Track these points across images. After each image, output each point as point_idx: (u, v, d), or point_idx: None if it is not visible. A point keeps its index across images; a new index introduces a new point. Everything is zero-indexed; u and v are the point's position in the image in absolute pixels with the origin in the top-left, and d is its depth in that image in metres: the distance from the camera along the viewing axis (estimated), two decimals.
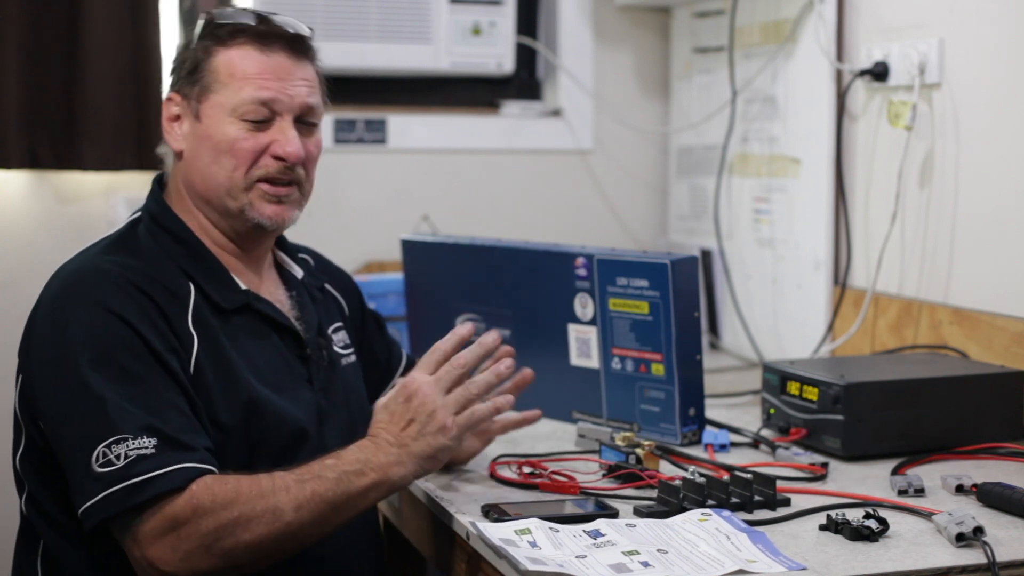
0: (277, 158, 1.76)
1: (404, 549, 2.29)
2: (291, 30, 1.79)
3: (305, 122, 1.80)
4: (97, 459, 1.55)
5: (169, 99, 1.81)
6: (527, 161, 3.17)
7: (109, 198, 2.83)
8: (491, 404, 1.71)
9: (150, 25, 2.75)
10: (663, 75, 3.24)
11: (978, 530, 1.49)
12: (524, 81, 3.23)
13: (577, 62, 3.17)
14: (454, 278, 2.34)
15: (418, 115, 3.09)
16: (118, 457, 1.54)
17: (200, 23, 1.81)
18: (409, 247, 2.42)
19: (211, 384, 1.68)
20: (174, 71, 1.82)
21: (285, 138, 1.76)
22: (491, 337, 1.76)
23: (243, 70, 1.75)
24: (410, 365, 2.15)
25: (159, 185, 1.85)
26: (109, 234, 1.80)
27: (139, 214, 1.82)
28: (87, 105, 2.71)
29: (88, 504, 1.55)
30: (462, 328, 1.76)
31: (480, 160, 3.13)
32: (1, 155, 2.67)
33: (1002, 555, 1.46)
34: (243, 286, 1.79)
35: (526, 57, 3.22)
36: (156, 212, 1.80)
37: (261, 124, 1.76)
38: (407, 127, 3.06)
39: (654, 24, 3.23)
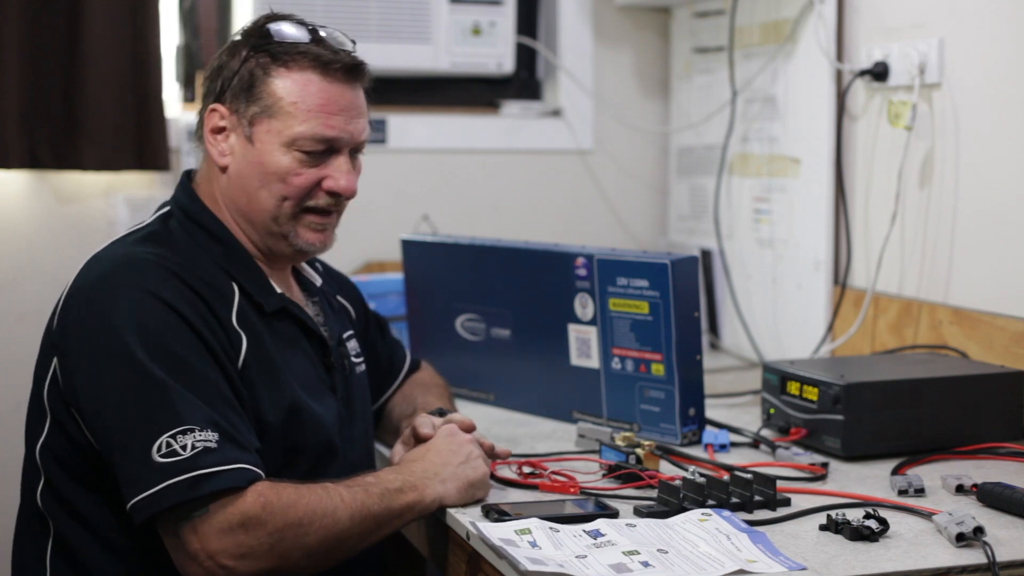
0: (330, 192, 1.76)
1: (404, 549, 2.29)
2: (350, 57, 1.76)
3: (355, 155, 1.80)
4: (159, 449, 1.52)
5: (213, 110, 1.76)
6: (527, 161, 3.17)
7: (109, 198, 2.83)
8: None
9: (150, 25, 2.75)
10: (663, 75, 3.24)
11: (978, 530, 1.49)
12: (524, 81, 3.23)
13: (577, 62, 3.17)
14: (454, 278, 2.34)
15: (418, 115, 3.09)
16: (184, 448, 1.52)
17: (253, 29, 1.77)
18: (409, 247, 2.42)
19: (257, 384, 1.68)
20: (214, 78, 1.77)
21: (340, 174, 1.75)
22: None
23: (305, 102, 1.72)
24: (414, 367, 2.16)
25: (189, 181, 1.82)
26: (137, 227, 1.78)
27: (167, 208, 1.80)
28: (87, 105, 2.71)
29: (146, 494, 1.52)
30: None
31: (480, 160, 3.13)
32: (1, 155, 2.67)
33: (1002, 555, 1.46)
34: (278, 290, 1.79)
35: (526, 57, 3.22)
36: (189, 207, 1.78)
37: (316, 157, 1.74)
38: (407, 127, 3.06)
39: (654, 24, 3.23)
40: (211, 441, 1.54)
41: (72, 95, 2.71)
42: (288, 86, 1.72)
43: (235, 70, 1.75)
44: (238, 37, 1.78)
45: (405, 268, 2.44)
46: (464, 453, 1.72)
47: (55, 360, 1.67)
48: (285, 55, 1.73)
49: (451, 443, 1.74)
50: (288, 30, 1.76)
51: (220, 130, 1.76)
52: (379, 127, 3.02)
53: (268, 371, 1.70)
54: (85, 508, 1.67)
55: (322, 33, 1.78)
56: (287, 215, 1.75)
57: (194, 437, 1.53)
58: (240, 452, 1.56)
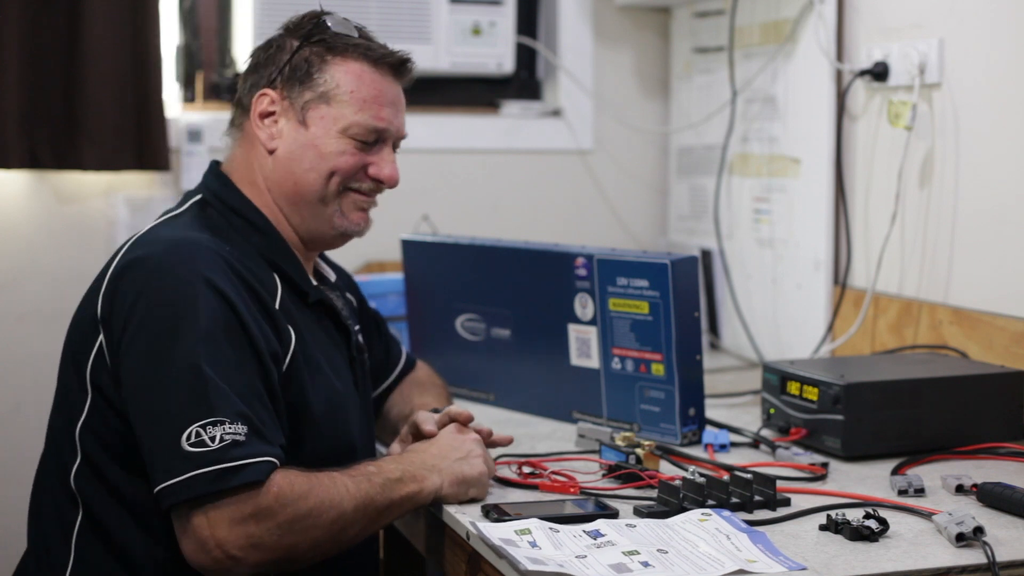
0: (375, 179, 1.82)
1: (404, 549, 2.29)
2: (399, 54, 1.84)
3: (395, 146, 1.87)
4: (189, 437, 1.53)
5: (264, 94, 1.80)
6: (527, 161, 3.17)
7: (109, 198, 2.84)
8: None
9: (150, 25, 2.75)
10: (663, 75, 3.24)
11: (978, 530, 1.49)
12: (524, 81, 3.23)
13: (577, 62, 3.17)
14: (454, 278, 2.34)
15: (418, 115, 3.09)
16: (213, 439, 1.53)
17: (302, 22, 1.82)
18: (409, 247, 2.42)
19: (302, 380, 1.70)
20: (266, 64, 1.81)
21: (386, 163, 1.83)
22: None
23: (361, 91, 1.79)
24: (410, 363, 2.16)
25: (219, 168, 1.85)
26: (173, 212, 1.80)
27: (199, 196, 1.81)
28: (87, 105, 2.71)
29: (171, 482, 1.53)
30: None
31: (480, 160, 3.13)
32: (1, 155, 2.67)
33: (1002, 555, 1.46)
34: (314, 281, 1.84)
35: (526, 57, 3.22)
36: (225, 195, 1.80)
37: (366, 145, 1.81)
38: (407, 127, 3.05)
39: (654, 24, 3.23)
40: (240, 434, 1.55)
41: (72, 95, 2.71)
42: (344, 75, 1.79)
43: (286, 59, 1.80)
44: (283, 31, 1.84)
45: (405, 268, 2.44)
46: (464, 450, 1.74)
47: (100, 337, 1.66)
48: (341, 46, 1.80)
49: (453, 439, 1.76)
50: (340, 24, 1.83)
51: (269, 114, 1.81)
52: None
53: (312, 365, 1.73)
54: (125, 488, 1.67)
55: (371, 35, 1.87)
56: (333, 192, 1.80)
57: (223, 429, 1.54)
58: (265, 446, 1.57)
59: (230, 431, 1.54)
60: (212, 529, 1.53)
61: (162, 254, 1.65)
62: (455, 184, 3.11)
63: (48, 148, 2.72)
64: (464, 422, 1.83)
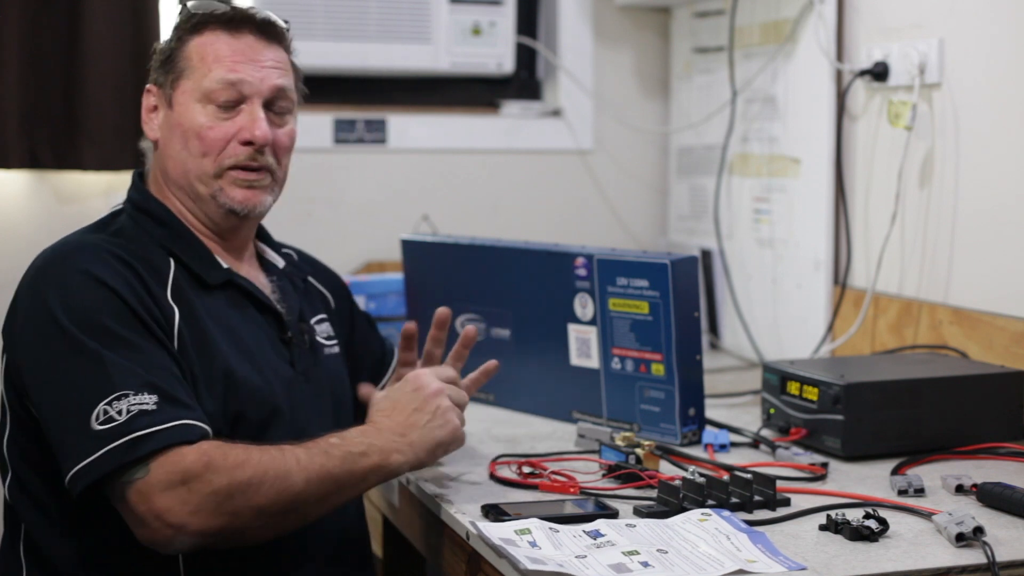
0: (245, 143, 1.78)
1: (404, 549, 2.29)
2: (260, 14, 1.82)
3: (276, 110, 1.82)
4: (97, 417, 1.54)
5: (147, 91, 1.84)
6: (527, 161, 3.17)
7: (109, 198, 2.83)
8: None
9: (150, 25, 2.75)
10: (663, 75, 3.24)
11: (978, 530, 1.49)
12: (524, 81, 3.23)
13: (577, 62, 3.17)
14: (454, 278, 2.34)
15: (418, 115, 3.09)
16: (119, 413, 1.54)
17: (176, 16, 1.85)
18: (409, 247, 2.42)
19: (191, 357, 1.69)
20: (152, 66, 1.85)
21: (252, 122, 1.78)
22: (472, 331, 1.90)
23: (213, 53, 1.78)
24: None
25: (140, 179, 1.87)
26: (93, 223, 1.83)
27: (120, 205, 1.85)
28: (87, 105, 2.71)
29: (83, 463, 1.53)
30: (470, 329, 1.86)
31: (480, 160, 3.13)
32: (1, 155, 2.67)
33: (1002, 555, 1.46)
34: (225, 265, 1.81)
35: (526, 57, 3.22)
36: (137, 200, 1.83)
37: (230, 110, 1.78)
38: (407, 127, 3.06)
39: (654, 24, 3.23)
40: (148, 404, 1.55)
41: (72, 95, 2.71)
42: (198, 46, 1.80)
43: (158, 52, 1.84)
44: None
45: (405, 268, 2.43)
46: (431, 409, 1.72)
47: (7, 353, 1.71)
48: (198, 23, 1.81)
49: (415, 399, 1.73)
50: (201, 6, 1.83)
51: (153, 109, 1.84)
52: (379, 127, 3.03)
53: (200, 342, 1.71)
54: (45, 497, 1.68)
55: (242, 7, 1.84)
56: (208, 173, 1.79)
57: (129, 401, 1.55)
58: (181, 410, 1.57)
59: (135, 401, 1.55)
60: (147, 502, 1.53)
61: (41, 262, 1.70)
62: (455, 184, 3.11)
63: (48, 148, 2.72)
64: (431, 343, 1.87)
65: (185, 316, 1.70)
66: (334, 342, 1.97)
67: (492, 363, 1.94)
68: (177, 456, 1.54)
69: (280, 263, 1.95)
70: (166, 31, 2.78)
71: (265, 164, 1.80)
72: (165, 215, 1.80)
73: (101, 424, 1.54)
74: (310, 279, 2.01)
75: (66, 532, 1.68)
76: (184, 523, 1.53)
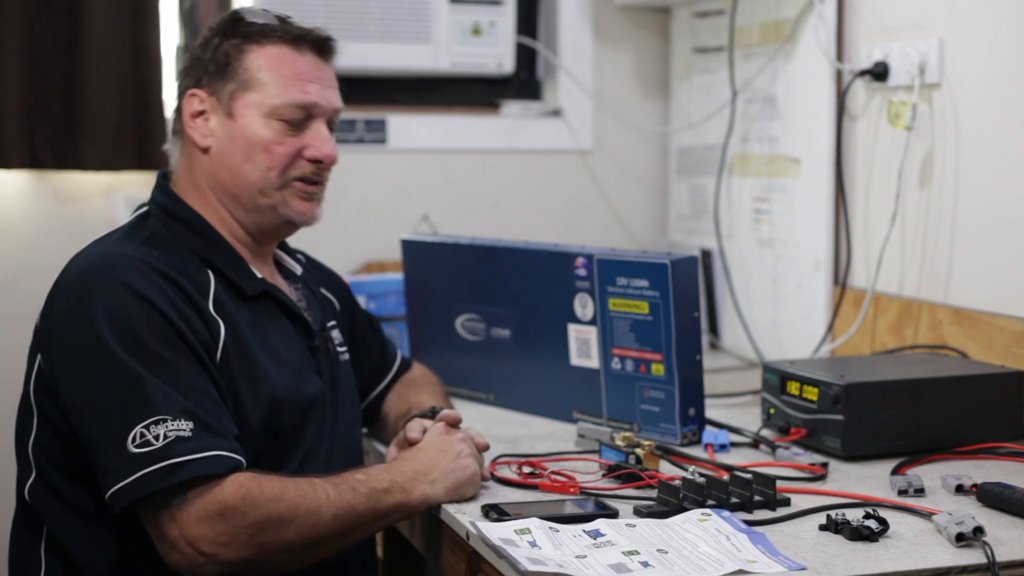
0: (314, 160, 1.80)
1: (404, 549, 2.30)
2: (319, 32, 1.83)
3: (331, 127, 1.84)
4: (134, 440, 1.55)
5: (192, 94, 1.81)
6: (527, 161, 3.17)
7: (109, 198, 2.83)
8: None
9: (150, 25, 2.75)
10: (663, 75, 3.24)
11: (978, 530, 1.49)
12: (524, 81, 3.23)
13: (577, 62, 3.17)
14: (454, 278, 2.34)
15: (418, 115, 3.09)
16: (156, 438, 1.55)
17: (223, 20, 1.83)
18: (409, 247, 2.42)
19: (236, 369, 1.70)
20: (193, 67, 1.83)
21: (322, 142, 1.81)
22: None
23: (282, 70, 1.78)
24: (405, 364, 2.16)
25: (165, 180, 1.86)
26: (118, 228, 1.82)
27: (146, 208, 1.83)
28: (87, 105, 2.71)
29: (121, 484, 1.55)
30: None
31: (480, 160, 3.13)
32: (1, 155, 2.67)
33: (1002, 555, 1.46)
34: (259, 275, 1.82)
35: (526, 57, 3.22)
36: (167, 204, 1.81)
37: (296, 126, 1.79)
38: (407, 127, 3.06)
39: (654, 24, 3.23)
40: (185, 430, 1.56)
41: (72, 95, 2.71)
42: (262, 59, 1.79)
43: (209, 56, 1.81)
44: (208, 32, 1.85)
45: (405, 268, 2.44)
46: (454, 452, 1.73)
47: (39, 356, 1.71)
48: (258, 35, 1.80)
49: (441, 442, 1.75)
50: (258, 15, 1.83)
51: (200, 114, 1.81)
52: (379, 127, 3.03)
53: (245, 356, 1.72)
54: (75, 501, 1.69)
55: (293, 20, 1.85)
56: (273, 186, 1.79)
57: (166, 427, 1.55)
58: (216, 439, 1.58)
59: (173, 428, 1.55)
60: (180, 528, 1.55)
61: (83, 273, 1.68)
62: (455, 184, 3.11)
63: (48, 148, 2.72)
64: (452, 423, 1.83)
65: (230, 330, 1.71)
66: (344, 349, 1.97)
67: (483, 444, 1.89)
68: (215, 486, 1.55)
69: (298, 270, 1.96)
70: (166, 31, 2.82)
71: (324, 178, 1.84)
72: (198, 222, 1.80)
73: (137, 447, 1.55)
74: (320, 287, 2.02)
75: (98, 538, 1.68)
76: (215, 553, 1.55)
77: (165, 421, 1.55)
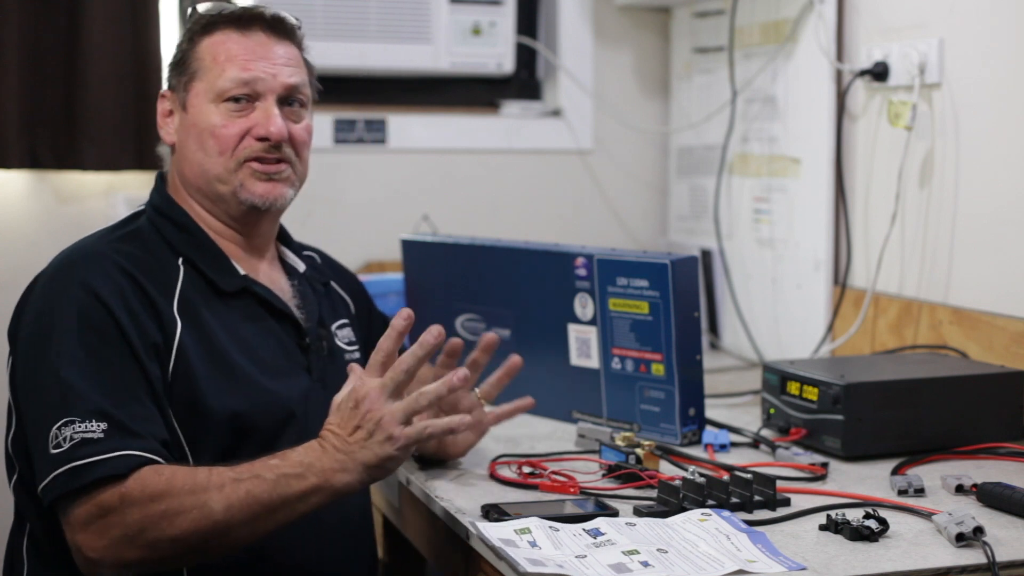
0: (261, 139, 1.78)
1: (404, 549, 2.30)
2: (268, 11, 1.82)
3: (290, 105, 1.82)
4: (52, 440, 1.55)
5: (162, 96, 1.84)
6: (527, 161, 3.17)
7: (109, 198, 2.83)
8: (446, 422, 1.63)
9: (150, 25, 2.75)
10: (663, 75, 3.24)
11: (978, 530, 1.49)
12: (524, 81, 3.23)
13: (577, 62, 3.17)
14: (454, 278, 2.34)
15: (418, 115, 3.09)
16: (65, 439, 1.55)
17: (186, 20, 1.85)
18: (409, 247, 2.42)
19: (196, 368, 1.68)
20: (168, 70, 1.86)
21: (267, 118, 1.78)
22: (431, 335, 1.62)
23: (224, 52, 1.78)
24: None
25: (161, 181, 1.87)
26: (108, 225, 1.83)
27: (143, 207, 1.84)
28: (87, 105, 2.71)
29: (42, 485, 1.56)
30: (428, 335, 1.62)
31: (480, 160, 3.13)
32: (1, 155, 2.67)
33: (1002, 555, 1.46)
34: (242, 271, 1.81)
35: (526, 57, 3.22)
36: (159, 203, 1.82)
37: (243, 108, 1.78)
38: (407, 127, 3.06)
39: (654, 24, 3.23)
40: (94, 432, 1.55)
41: (72, 95, 2.71)
42: (209, 46, 1.80)
43: (174, 57, 1.84)
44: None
45: (405, 268, 2.43)
46: (369, 427, 1.58)
47: (11, 354, 1.72)
48: (206, 24, 1.81)
49: (356, 415, 1.59)
50: (211, 8, 1.83)
51: (168, 113, 1.84)
52: (379, 127, 3.03)
53: (211, 355, 1.70)
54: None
55: (253, 6, 1.84)
56: (229, 170, 1.78)
57: (74, 429, 1.55)
58: (130, 440, 1.56)
59: (80, 430, 1.55)
60: (73, 533, 1.56)
61: (51, 267, 1.70)
62: (455, 184, 3.11)
63: (48, 148, 2.72)
64: (451, 352, 1.84)
65: (189, 328, 1.69)
66: (355, 347, 1.96)
67: (515, 360, 1.90)
68: (100, 490, 1.54)
69: (300, 267, 1.94)
70: (166, 31, 2.82)
71: (284, 156, 1.80)
72: (185, 220, 1.80)
73: (54, 448, 1.55)
74: (332, 284, 2.01)
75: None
76: (101, 557, 1.54)
77: (73, 423, 1.55)
